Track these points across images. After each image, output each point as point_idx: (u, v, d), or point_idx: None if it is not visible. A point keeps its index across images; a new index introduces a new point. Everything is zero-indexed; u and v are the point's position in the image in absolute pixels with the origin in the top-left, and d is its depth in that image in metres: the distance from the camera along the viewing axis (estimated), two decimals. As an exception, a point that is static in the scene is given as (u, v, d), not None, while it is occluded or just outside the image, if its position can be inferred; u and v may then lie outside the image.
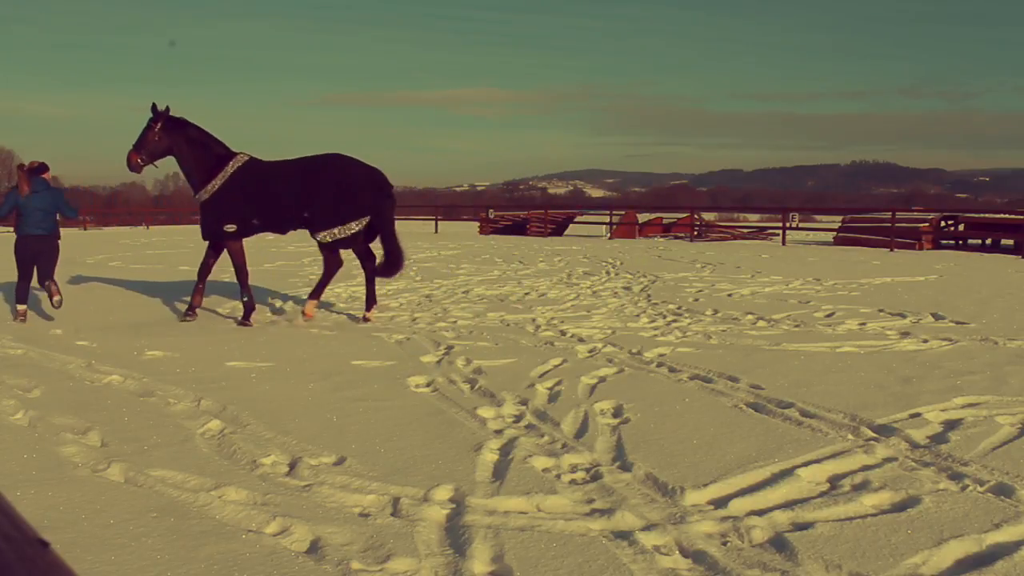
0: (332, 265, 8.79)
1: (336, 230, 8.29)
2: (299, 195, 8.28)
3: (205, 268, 8.89)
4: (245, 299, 8.63)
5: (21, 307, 8.55)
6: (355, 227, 8.32)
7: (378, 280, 8.98)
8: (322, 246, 8.62)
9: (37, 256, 8.33)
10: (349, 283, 12.71)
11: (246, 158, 8.56)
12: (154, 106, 8.54)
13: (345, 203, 8.25)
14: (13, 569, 0.49)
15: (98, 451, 4.19)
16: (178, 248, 21.60)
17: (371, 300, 8.83)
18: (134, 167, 8.55)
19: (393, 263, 8.61)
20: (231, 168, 8.40)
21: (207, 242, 8.81)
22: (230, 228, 8.41)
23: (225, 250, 8.71)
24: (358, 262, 8.93)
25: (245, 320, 8.55)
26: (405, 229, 39.87)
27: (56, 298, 8.33)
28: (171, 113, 8.56)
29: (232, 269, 8.89)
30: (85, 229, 36.67)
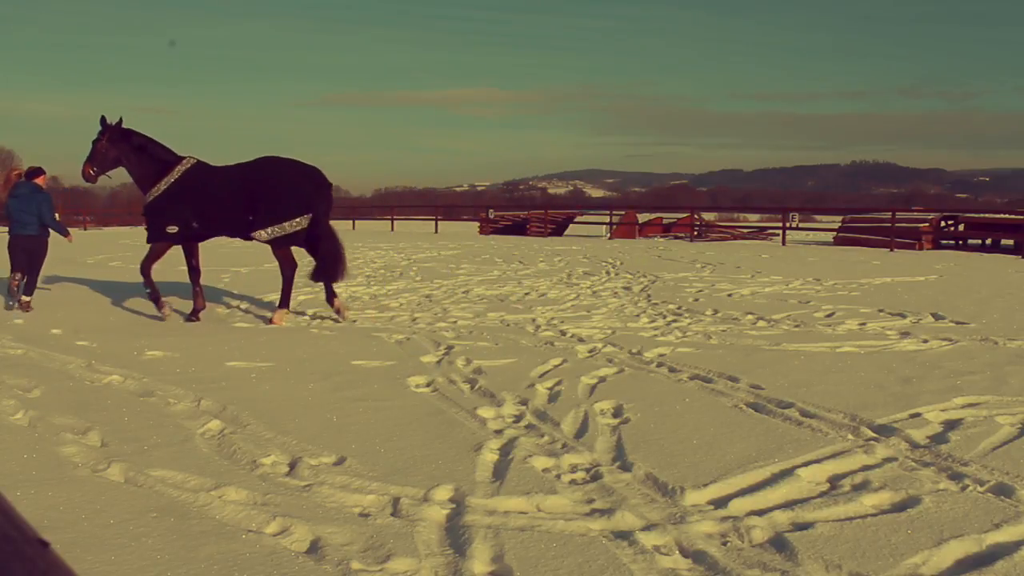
0: (287, 269, 8.73)
1: (273, 228, 8.34)
2: (239, 198, 8.38)
3: (193, 271, 9.00)
4: (148, 291, 8.81)
5: (15, 281, 9.00)
6: (289, 227, 8.35)
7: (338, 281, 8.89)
8: (274, 250, 8.70)
9: (27, 252, 9.04)
10: (349, 283, 12.70)
11: (192, 162, 8.70)
12: (103, 119, 8.77)
13: (283, 202, 8.32)
14: (13, 569, 0.49)
15: (98, 451, 4.19)
16: (178, 248, 21.60)
17: (330, 294, 8.79)
18: (87, 178, 8.93)
19: (330, 265, 8.55)
20: (177, 172, 8.56)
21: (180, 246, 8.98)
22: (171, 229, 8.54)
23: (198, 243, 8.96)
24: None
25: (160, 310, 8.77)
26: (405, 229, 39.56)
27: (23, 301, 9.06)
28: (123, 125, 8.75)
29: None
30: (85, 229, 36.67)
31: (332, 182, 9.05)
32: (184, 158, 8.71)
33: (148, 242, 8.82)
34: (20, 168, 9.59)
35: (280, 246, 8.60)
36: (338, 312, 8.74)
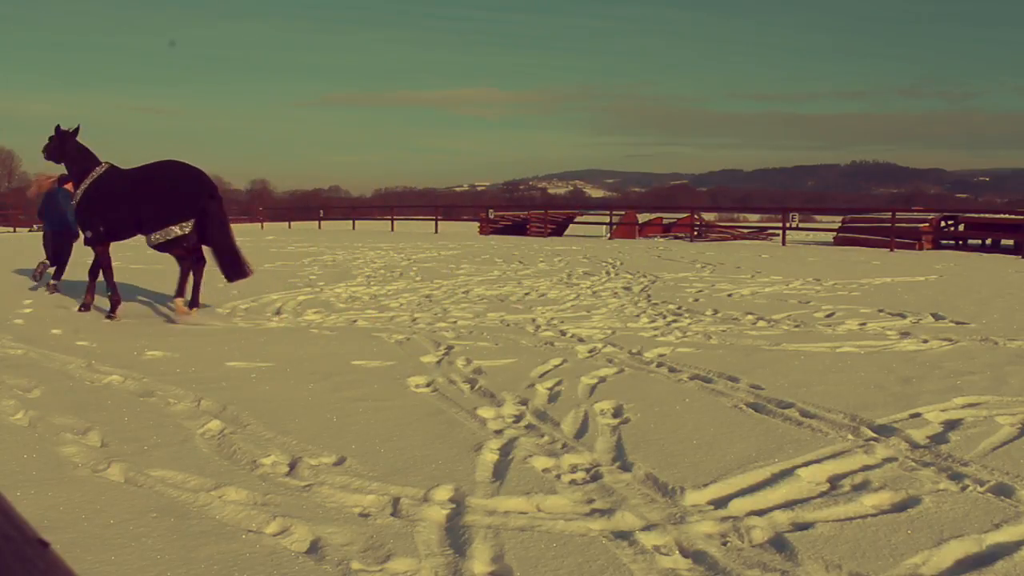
0: (196, 265, 8.95)
1: (159, 234, 8.51)
2: (131, 201, 8.61)
3: (94, 270, 9.31)
4: (110, 294, 9.03)
5: (40, 268, 11.20)
6: (178, 231, 8.51)
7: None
8: (179, 250, 8.91)
9: (55, 244, 11.09)
10: (349, 283, 12.72)
11: (105, 167, 8.95)
12: (57, 128, 9.05)
13: (168, 207, 8.49)
14: (13, 569, 0.49)
15: (98, 451, 4.19)
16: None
17: (196, 291, 8.97)
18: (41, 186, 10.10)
19: (229, 265, 8.71)
20: (90, 178, 8.84)
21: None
22: (88, 233, 8.91)
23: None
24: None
25: (111, 313, 8.94)
26: (405, 229, 39.56)
27: (44, 272, 11.23)
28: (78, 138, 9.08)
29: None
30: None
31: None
32: (101, 163, 9.00)
33: (85, 244, 9.22)
34: (52, 176, 11.09)
35: (166, 250, 8.86)
36: (184, 310, 8.83)
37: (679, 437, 4.42)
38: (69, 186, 10.25)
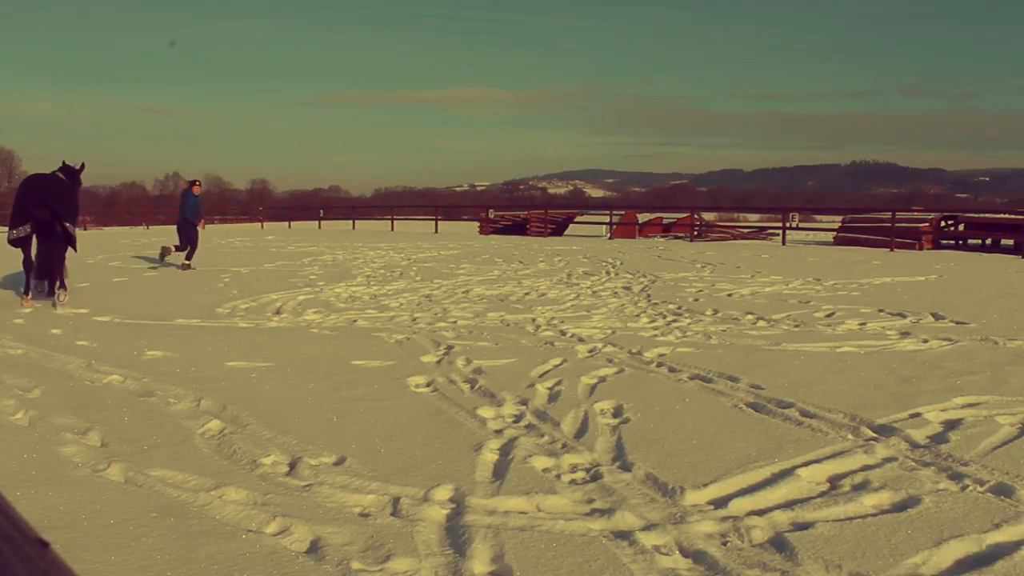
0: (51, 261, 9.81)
1: (13, 231, 9.45)
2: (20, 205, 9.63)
3: (27, 266, 10.02)
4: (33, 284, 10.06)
5: (180, 254, 14.91)
6: (15, 233, 9.39)
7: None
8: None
9: (183, 232, 14.79)
10: (349, 283, 12.72)
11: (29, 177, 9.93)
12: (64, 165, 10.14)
13: (23, 209, 9.42)
14: (13, 569, 0.49)
15: (98, 451, 4.19)
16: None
17: (51, 288, 9.84)
18: None
19: (40, 268, 9.79)
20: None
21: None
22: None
23: (69, 245, 9.93)
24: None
25: (24, 297, 9.91)
26: (405, 229, 39.55)
27: (169, 254, 15.29)
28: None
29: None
30: (85, 229, 36.66)
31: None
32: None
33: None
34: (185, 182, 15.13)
35: (19, 246, 9.58)
36: (54, 303, 9.66)
37: (679, 437, 4.42)
38: (195, 189, 14.69)
